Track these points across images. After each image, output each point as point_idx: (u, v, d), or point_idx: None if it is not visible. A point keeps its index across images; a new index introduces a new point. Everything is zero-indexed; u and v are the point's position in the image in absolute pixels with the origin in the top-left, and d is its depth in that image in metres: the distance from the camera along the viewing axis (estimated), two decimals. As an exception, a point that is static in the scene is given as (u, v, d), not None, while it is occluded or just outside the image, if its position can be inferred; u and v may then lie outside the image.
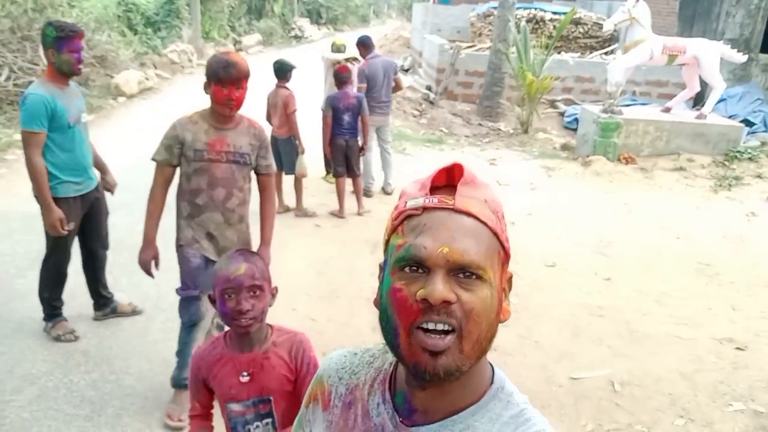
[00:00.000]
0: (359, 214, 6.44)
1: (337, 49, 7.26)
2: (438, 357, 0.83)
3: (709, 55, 8.65)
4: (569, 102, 12.59)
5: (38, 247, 5.10)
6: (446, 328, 0.83)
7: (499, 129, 11.45)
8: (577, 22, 15.22)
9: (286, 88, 6.04)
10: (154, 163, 3.01)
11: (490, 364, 0.95)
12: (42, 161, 3.39)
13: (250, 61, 15.74)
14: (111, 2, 16.24)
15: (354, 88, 6.50)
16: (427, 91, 13.17)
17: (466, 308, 0.83)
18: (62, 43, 3.33)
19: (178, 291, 3.17)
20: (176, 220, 3.08)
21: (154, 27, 16.87)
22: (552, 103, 12.60)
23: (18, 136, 8.07)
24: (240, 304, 1.75)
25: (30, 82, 9.75)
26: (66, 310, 4.18)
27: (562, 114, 12.20)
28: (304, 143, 6.13)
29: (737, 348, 4.34)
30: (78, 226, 3.72)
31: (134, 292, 4.39)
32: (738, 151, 8.90)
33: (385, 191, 7.21)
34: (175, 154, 2.94)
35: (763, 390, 3.86)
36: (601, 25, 15.62)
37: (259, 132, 3.06)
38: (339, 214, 6.36)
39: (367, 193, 6.99)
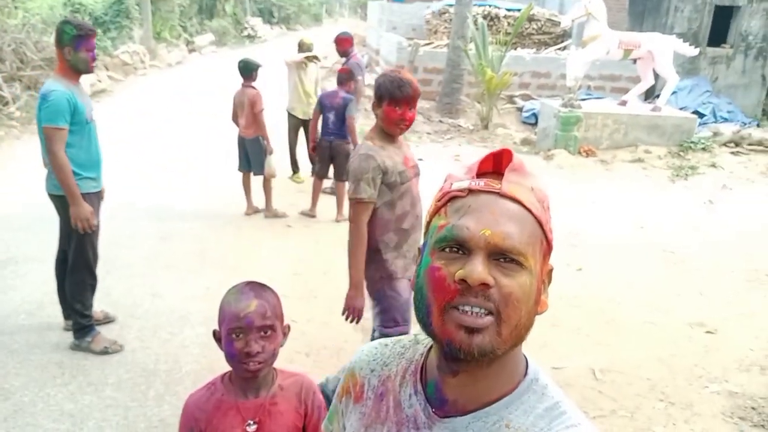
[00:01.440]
0: (337, 221, 6.12)
1: (307, 48, 7.16)
2: (474, 335, 0.82)
3: (663, 50, 8.92)
4: (527, 97, 12.78)
5: (1, 256, 4.93)
6: (484, 311, 0.82)
7: (459, 125, 11.54)
8: (530, 19, 15.47)
9: (253, 87, 5.94)
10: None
11: (524, 355, 0.94)
12: (65, 156, 3.38)
13: (204, 61, 15.54)
14: (57, 3, 15.74)
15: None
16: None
17: (504, 292, 0.82)
18: (80, 41, 3.38)
19: (381, 329, 2.93)
20: (375, 257, 2.85)
21: (103, 27, 16.39)
22: (510, 99, 12.77)
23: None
24: (249, 346, 1.57)
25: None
26: (33, 320, 4.04)
27: (520, 109, 12.37)
28: (271, 143, 6.05)
29: (708, 332, 4.47)
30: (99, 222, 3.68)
31: (104, 299, 4.24)
32: (692, 142, 9.19)
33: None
34: (377, 187, 2.75)
35: (736, 371, 3.99)
36: (554, 21, 15.96)
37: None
38: (310, 212, 6.29)
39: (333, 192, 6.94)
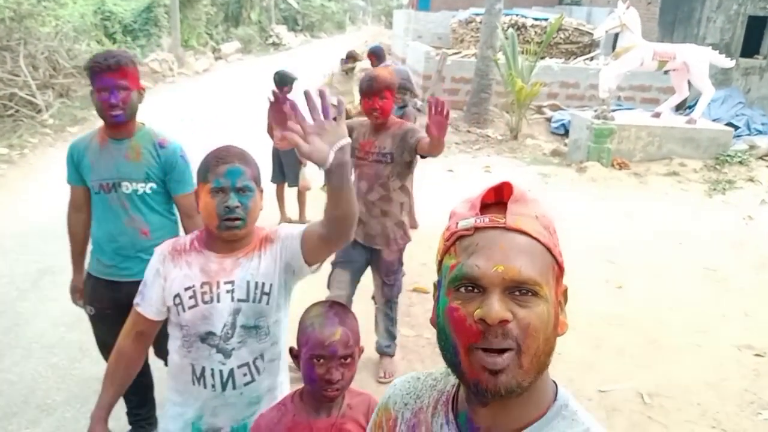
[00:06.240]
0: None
1: (356, 58, 7.16)
2: (498, 375, 0.84)
3: (699, 61, 8.77)
4: (555, 107, 12.65)
5: (38, 266, 4.94)
6: (504, 347, 0.84)
7: (488, 135, 11.45)
8: (558, 28, 15.34)
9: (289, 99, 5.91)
10: None
11: (554, 381, 0.95)
12: (73, 219, 2.74)
13: (231, 69, 15.58)
14: (88, 11, 15.96)
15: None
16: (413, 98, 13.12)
17: (522, 324, 0.84)
18: (93, 79, 2.44)
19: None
20: None
21: (133, 35, 16.59)
22: (539, 109, 12.65)
23: (4, 150, 7.85)
24: (330, 374, 1.58)
25: (11, 94, 9.53)
26: (73, 334, 4.01)
27: (548, 120, 12.24)
28: (306, 155, 6.01)
29: (756, 354, 4.34)
30: (109, 318, 2.61)
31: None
32: (728, 155, 9.00)
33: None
34: None
35: (789, 397, 3.86)
36: (582, 31, 15.82)
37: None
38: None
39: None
